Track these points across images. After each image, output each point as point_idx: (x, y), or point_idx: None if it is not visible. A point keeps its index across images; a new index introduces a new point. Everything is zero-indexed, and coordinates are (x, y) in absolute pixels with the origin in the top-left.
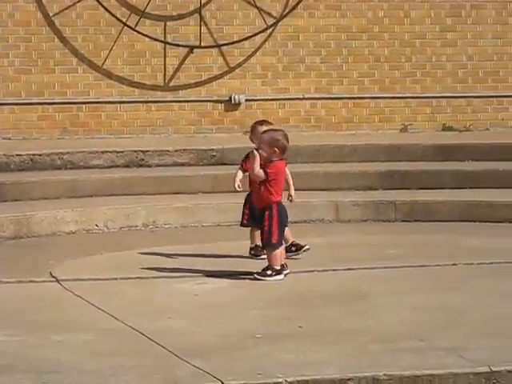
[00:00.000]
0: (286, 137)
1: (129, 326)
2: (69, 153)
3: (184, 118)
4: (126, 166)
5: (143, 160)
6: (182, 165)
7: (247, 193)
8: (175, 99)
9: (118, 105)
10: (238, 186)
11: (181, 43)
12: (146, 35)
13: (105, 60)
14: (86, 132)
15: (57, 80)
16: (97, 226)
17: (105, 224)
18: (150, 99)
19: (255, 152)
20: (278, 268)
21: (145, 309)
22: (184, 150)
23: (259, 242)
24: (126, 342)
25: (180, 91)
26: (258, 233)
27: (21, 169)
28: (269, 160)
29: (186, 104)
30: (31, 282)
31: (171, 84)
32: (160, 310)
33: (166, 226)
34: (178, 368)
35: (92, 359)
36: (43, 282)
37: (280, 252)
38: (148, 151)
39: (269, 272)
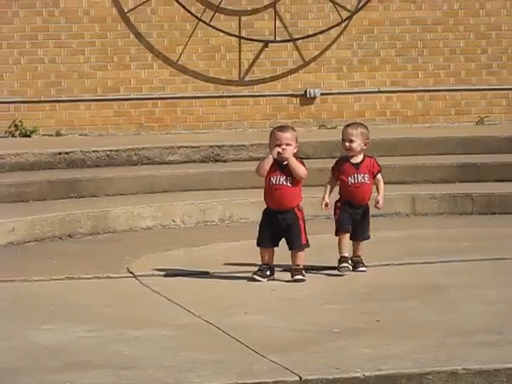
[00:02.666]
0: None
1: (205, 321)
2: (145, 148)
3: (259, 112)
4: (202, 161)
5: (219, 155)
6: (258, 159)
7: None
8: (250, 94)
9: (194, 100)
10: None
11: (255, 38)
12: (220, 30)
13: (180, 55)
14: (162, 127)
15: (132, 76)
16: (173, 221)
17: (181, 219)
18: (225, 94)
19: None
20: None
21: (221, 304)
22: (260, 144)
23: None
24: (203, 338)
25: (255, 86)
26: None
27: (97, 165)
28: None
29: (262, 98)
30: (108, 277)
31: (246, 79)
32: (237, 305)
33: (243, 221)
34: (254, 363)
35: (169, 354)
36: (120, 277)
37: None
38: (224, 146)
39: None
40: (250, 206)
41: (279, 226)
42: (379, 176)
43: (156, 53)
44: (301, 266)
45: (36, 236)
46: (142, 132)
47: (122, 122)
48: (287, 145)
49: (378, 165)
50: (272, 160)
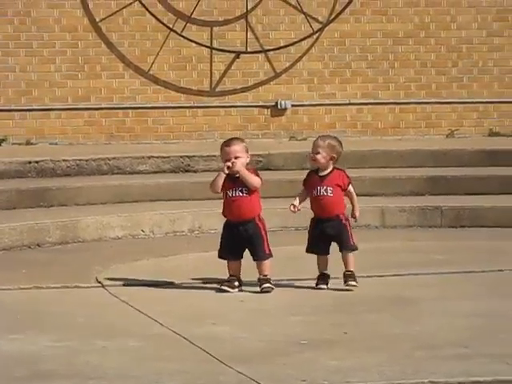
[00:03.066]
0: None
1: (173, 331)
2: (115, 158)
3: (230, 123)
4: (172, 171)
5: (189, 165)
6: None
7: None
8: (221, 104)
9: (165, 110)
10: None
11: (227, 49)
12: (192, 41)
13: (151, 65)
14: (133, 137)
15: (103, 85)
16: (143, 231)
17: (151, 229)
18: (196, 104)
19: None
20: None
21: (189, 314)
22: None
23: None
24: (171, 348)
25: (226, 96)
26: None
27: (67, 174)
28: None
29: (232, 109)
30: (77, 287)
31: (217, 89)
32: (205, 316)
33: (212, 232)
34: (221, 374)
35: (136, 365)
36: (89, 287)
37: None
38: (194, 156)
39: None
40: (220, 217)
41: (241, 237)
42: (350, 188)
43: (127, 62)
44: (268, 276)
45: (4, 245)
46: (112, 142)
47: (92, 131)
48: (236, 157)
49: (348, 177)
50: (224, 175)
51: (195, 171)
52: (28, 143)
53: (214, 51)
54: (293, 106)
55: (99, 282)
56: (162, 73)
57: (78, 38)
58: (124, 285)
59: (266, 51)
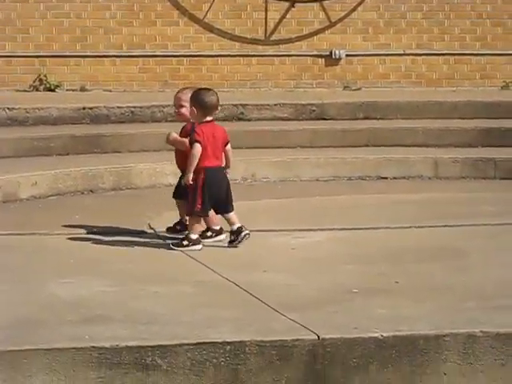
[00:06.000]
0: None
1: (225, 278)
2: (169, 106)
3: (284, 72)
4: (226, 119)
5: (243, 114)
6: (282, 119)
7: None
8: (276, 53)
9: (219, 58)
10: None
11: None
12: None
13: (206, 13)
14: (186, 85)
15: (158, 33)
16: None
17: None
18: (250, 53)
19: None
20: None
21: (242, 262)
22: (284, 104)
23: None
24: (222, 294)
25: (281, 45)
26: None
27: (121, 121)
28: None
29: (287, 58)
30: (129, 233)
31: (272, 38)
32: (256, 264)
33: (265, 180)
34: (273, 321)
35: (188, 311)
36: (142, 233)
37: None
38: (248, 105)
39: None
40: (272, 166)
41: None
42: None
43: (182, 10)
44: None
45: (58, 190)
46: (166, 89)
47: (146, 78)
48: (180, 106)
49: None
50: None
51: (249, 120)
52: (82, 89)
53: (269, 0)
54: (347, 55)
55: (152, 229)
56: (217, 21)
57: None
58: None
59: (321, 0)
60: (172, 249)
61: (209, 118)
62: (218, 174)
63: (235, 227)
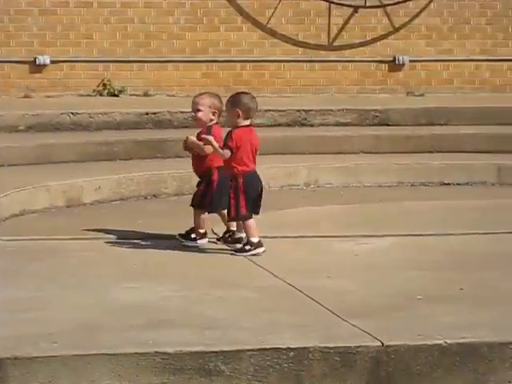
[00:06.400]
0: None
1: (288, 283)
2: None
3: (347, 77)
4: (289, 125)
5: (306, 119)
6: (345, 125)
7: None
8: (339, 59)
9: (282, 63)
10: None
11: (346, 3)
12: None
13: (269, 19)
14: (249, 90)
15: (221, 38)
16: None
17: (267, 182)
18: (313, 58)
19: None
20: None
21: (304, 267)
22: (347, 109)
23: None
24: (285, 300)
25: (344, 51)
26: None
27: (184, 126)
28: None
29: (350, 64)
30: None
31: (335, 43)
32: (319, 269)
33: (328, 186)
34: (336, 327)
35: (250, 316)
36: (204, 237)
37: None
38: (311, 110)
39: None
40: (336, 171)
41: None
42: None
43: (246, 15)
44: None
45: (121, 195)
46: (229, 94)
47: (209, 83)
48: (198, 110)
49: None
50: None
51: (311, 125)
52: (145, 94)
53: (332, 5)
54: (410, 61)
55: (215, 234)
56: (280, 26)
57: None
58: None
59: (384, 6)
60: (235, 255)
61: (247, 122)
62: (254, 177)
63: (255, 239)
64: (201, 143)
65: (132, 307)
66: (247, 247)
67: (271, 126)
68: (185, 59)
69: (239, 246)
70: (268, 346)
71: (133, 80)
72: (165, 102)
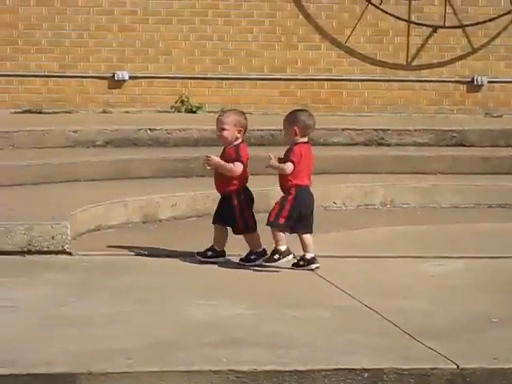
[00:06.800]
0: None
1: (363, 304)
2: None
3: (425, 97)
4: (366, 144)
5: (383, 139)
6: (422, 145)
7: None
8: (417, 79)
9: (360, 83)
10: None
11: (425, 23)
12: (390, 14)
13: (348, 38)
14: (327, 109)
15: (299, 56)
16: (334, 203)
17: (343, 201)
18: (391, 78)
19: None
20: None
21: (380, 288)
22: (424, 129)
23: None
24: (360, 320)
25: (422, 71)
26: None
27: (261, 143)
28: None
29: (428, 84)
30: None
31: (414, 63)
32: (395, 290)
33: (404, 206)
34: (411, 348)
35: (325, 335)
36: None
37: None
38: (388, 130)
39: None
40: (412, 191)
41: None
42: None
43: (324, 34)
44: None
45: (197, 211)
46: None
47: (287, 101)
48: (223, 129)
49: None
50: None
51: (388, 145)
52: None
53: (411, 25)
54: (489, 82)
55: (291, 253)
56: (359, 45)
57: (275, 8)
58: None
59: (463, 26)
60: (263, 265)
61: (305, 139)
62: (308, 193)
63: (309, 256)
64: (225, 163)
65: (206, 324)
66: (275, 256)
67: (348, 144)
68: (262, 77)
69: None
70: (342, 367)
71: (210, 97)
72: None
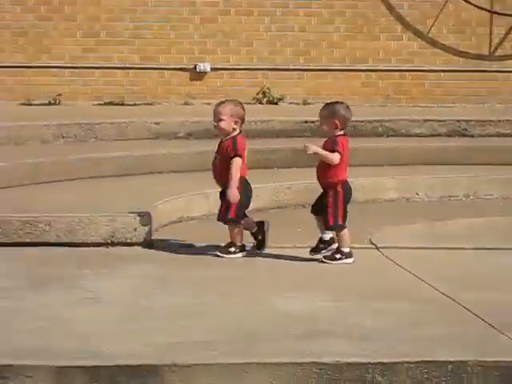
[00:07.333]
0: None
1: (447, 295)
2: (391, 120)
3: (508, 88)
4: (448, 135)
5: (466, 130)
6: (505, 135)
7: None
8: (500, 69)
9: (442, 73)
10: None
11: (508, 13)
12: (472, 4)
13: (430, 28)
14: (409, 100)
15: (381, 47)
16: (417, 194)
17: (425, 193)
18: (474, 68)
19: None
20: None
21: (464, 279)
22: (507, 120)
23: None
24: (443, 312)
25: (506, 61)
26: None
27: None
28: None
29: (511, 74)
30: (351, 248)
31: (496, 53)
32: (480, 282)
33: (487, 197)
34: (496, 341)
35: (408, 328)
36: (363, 248)
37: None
38: (471, 121)
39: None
40: (496, 183)
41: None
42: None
43: (406, 24)
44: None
45: (279, 203)
46: (388, 104)
47: (368, 92)
48: (220, 120)
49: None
50: None
51: (472, 136)
52: (305, 103)
53: (494, 15)
54: None
55: (373, 244)
56: (441, 36)
57: None
58: (397, 247)
59: None
60: (323, 262)
61: (343, 132)
62: (350, 188)
63: (347, 250)
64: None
65: (291, 317)
66: (337, 256)
67: (430, 136)
68: (344, 68)
69: (328, 253)
70: (426, 359)
71: (292, 88)
72: None
